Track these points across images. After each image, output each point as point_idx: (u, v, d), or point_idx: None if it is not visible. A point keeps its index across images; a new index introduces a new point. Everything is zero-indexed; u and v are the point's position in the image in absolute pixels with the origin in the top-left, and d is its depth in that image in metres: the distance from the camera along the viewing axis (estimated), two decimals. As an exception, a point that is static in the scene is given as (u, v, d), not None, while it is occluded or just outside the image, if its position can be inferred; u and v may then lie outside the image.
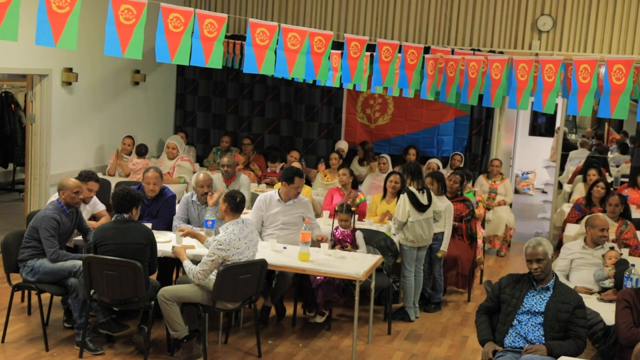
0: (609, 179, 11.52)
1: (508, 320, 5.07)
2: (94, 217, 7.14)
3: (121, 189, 6.22)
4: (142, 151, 9.99)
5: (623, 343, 4.82)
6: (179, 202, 7.55)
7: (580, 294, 5.26)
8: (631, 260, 6.41)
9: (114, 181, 9.24)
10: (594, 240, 6.43)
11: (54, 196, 6.46)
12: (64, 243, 6.41)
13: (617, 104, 5.89)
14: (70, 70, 9.18)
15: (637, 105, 5.84)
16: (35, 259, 6.18)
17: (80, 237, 6.65)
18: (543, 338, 4.95)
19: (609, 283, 5.99)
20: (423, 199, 7.19)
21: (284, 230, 7.20)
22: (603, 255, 6.26)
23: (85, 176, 6.87)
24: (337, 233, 7.20)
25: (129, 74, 10.71)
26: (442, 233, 7.58)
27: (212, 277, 5.93)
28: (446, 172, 8.80)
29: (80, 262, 6.02)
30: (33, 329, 6.61)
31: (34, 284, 6.17)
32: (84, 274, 5.88)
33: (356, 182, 8.71)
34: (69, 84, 9.25)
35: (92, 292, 5.93)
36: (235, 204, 6.05)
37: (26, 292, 6.86)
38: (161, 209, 7.22)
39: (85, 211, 7.02)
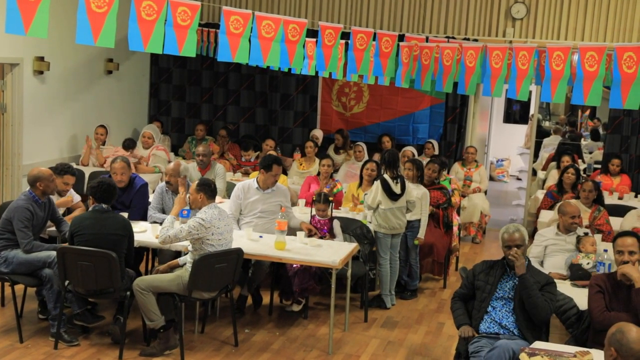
0: (582, 166, 11.65)
1: (483, 307, 5.11)
2: (69, 209, 7.07)
3: (105, 179, 6.17)
4: (128, 145, 9.93)
5: (596, 327, 4.88)
6: (152, 191, 7.50)
7: (554, 279, 5.32)
8: (604, 245, 6.48)
9: (87, 171, 9.17)
10: (565, 227, 6.50)
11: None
12: (38, 234, 6.34)
13: (590, 91, 5.93)
14: (41, 59, 9.06)
15: (609, 92, 5.88)
16: (8, 249, 6.11)
17: (54, 228, 6.59)
18: (516, 324, 5.00)
19: (587, 265, 5.99)
20: (396, 188, 7.21)
21: (262, 218, 7.18)
22: (578, 241, 6.29)
23: (62, 170, 6.80)
24: (314, 221, 7.21)
25: (102, 63, 10.60)
26: (418, 221, 7.61)
27: (188, 266, 5.92)
28: (422, 160, 8.82)
29: (54, 253, 5.96)
30: (7, 320, 6.54)
31: (8, 275, 6.11)
32: (58, 265, 5.83)
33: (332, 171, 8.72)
34: (41, 73, 9.13)
35: (66, 282, 5.89)
36: (212, 190, 6.10)
37: (0, 283, 6.79)
38: (134, 199, 7.16)
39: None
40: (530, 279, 4.97)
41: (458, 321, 5.21)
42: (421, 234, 7.65)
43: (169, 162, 9.38)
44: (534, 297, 4.92)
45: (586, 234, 6.43)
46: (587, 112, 16.21)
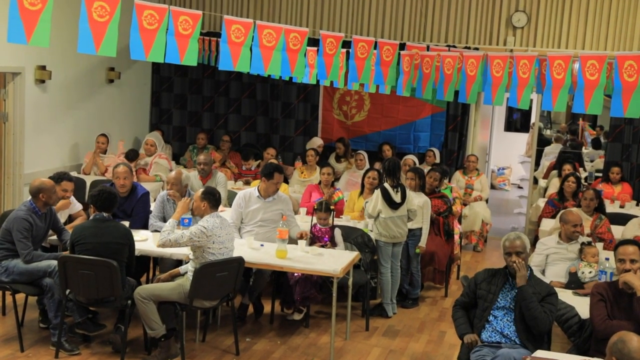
0: (584, 174, 11.65)
1: (484, 316, 5.09)
2: (70, 218, 7.07)
3: (106, 188, 6.18)
4: (132, 157, 9.94)
5: (598, 336, 4.87)
6: (153, 199, 7.51)
7: (555, 288, 5.30)
8: (605, 254, 6.47)
9: (89, 180, 9.17)
10: (567, 235, 6.49)
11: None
12: (39, 244, 6.33)
13: (591, 100, 5.94)
14: (43, 68, 9.08)
15: (610, 100, 5.89)
16: (9, 259, 6.11)
17: (55, 237, 6.58)
18: (517, 334, 4.99)
19: (589, 274, 5.97)
20: (396, 197, 7.21)
21: (263, 227, 7.17)
22: (581, 250, 6.28)
23: (58, 177, 6.79)
24: (315, 230, 7.21)
25: (104, 72, 10.62)
26: (419, 229, 7.60)
27: (189, 275, 5.91)
28: (423, 169, 8.83)
29: (55, 262, 5.96)
30: (8, 329, 6.53)
31: (9, 285, 6.10)
32: (59, 274, 5.82)
33: (333, 179, 8.72)
34: (43, 81, 9.15)
35: (67, 291, 5.88)
36: (216, 200, 6.11)
37: (0, 292, 6.78)
38: (135, 207, 7.15)
39: (64, 212, 6.96)
40: (529, 290, 4.95)
41: (460, 330, 5.20)
42: (423, 242, 7.64)
43: (171, 170, 9.39)
44: (533, 310, 4.91)
45: (589, 243, 6.40)
46: (582, 121, 16.18)
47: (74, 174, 8.83)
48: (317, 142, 11.18)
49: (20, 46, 7.56)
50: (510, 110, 16.97)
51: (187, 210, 6.40)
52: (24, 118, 8.88)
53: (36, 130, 9.15)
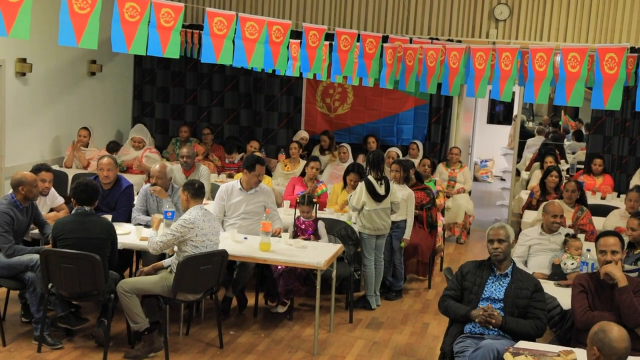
0: (565, 166, 11.73)
1: (471, 307, 5.10)
2: (52, 210, 7.03)
3: (84, 180, 6.13)
4: (112, 148, 9.89)
5: (579, 327, 4.91)
6: (137, 192, 7.48)
7: (537, 279, 5.34)
8: (586, 245, 6.52)
9: (71, 173, 9.11)
10: (547, 226, 6.54)
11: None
12: (21, 238, 6.28)
13: (573, 92, 5.97)
14: (24, 60, 8.99)
15: (591, 92, 5.93)
16: (-10, 253, 6.07)
17: (37, 231, 6.54)
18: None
19: (571, 266, 6.02)
20: (380, 190, 7.22)
21: (246, 219, 7.17)
22: (565, 243, 6.31)
23: (36, 169, 6.74)
24: (299, 223, 7.21)
25: (85, 64, 10.54)
26: (403, 221, 7.62)
27: (173, 268, 5.90)
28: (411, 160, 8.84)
29: (37, 256, 5.91)
30: (-11, 324, 6.49)
31: (-10, 279, 6.06)
32: (42, 268, 5.78)
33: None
34: (23, 74, 9.07)
35: (50, 285, 5.84)
36: (195, 190, 6.07)
37: (-18, 287, 6.74)
38: (119, 200, 7.13)
39: (46, 205, 6.92)
40: (509, 324, 4.95)
41: (461, 311, 5.10)
42: (407, 234, 7.66)
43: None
44: (522, 329, 4.93)
45: (574, 235, 6.44)
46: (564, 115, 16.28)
47: (55, 167, 8.79)
48: (302, 134, 11.18)
49: (0, 38, 7.49)
50: (492, 103, 17.05)
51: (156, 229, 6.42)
52: (4, 111, 8.80)
53: (17, 123, 9.07)
